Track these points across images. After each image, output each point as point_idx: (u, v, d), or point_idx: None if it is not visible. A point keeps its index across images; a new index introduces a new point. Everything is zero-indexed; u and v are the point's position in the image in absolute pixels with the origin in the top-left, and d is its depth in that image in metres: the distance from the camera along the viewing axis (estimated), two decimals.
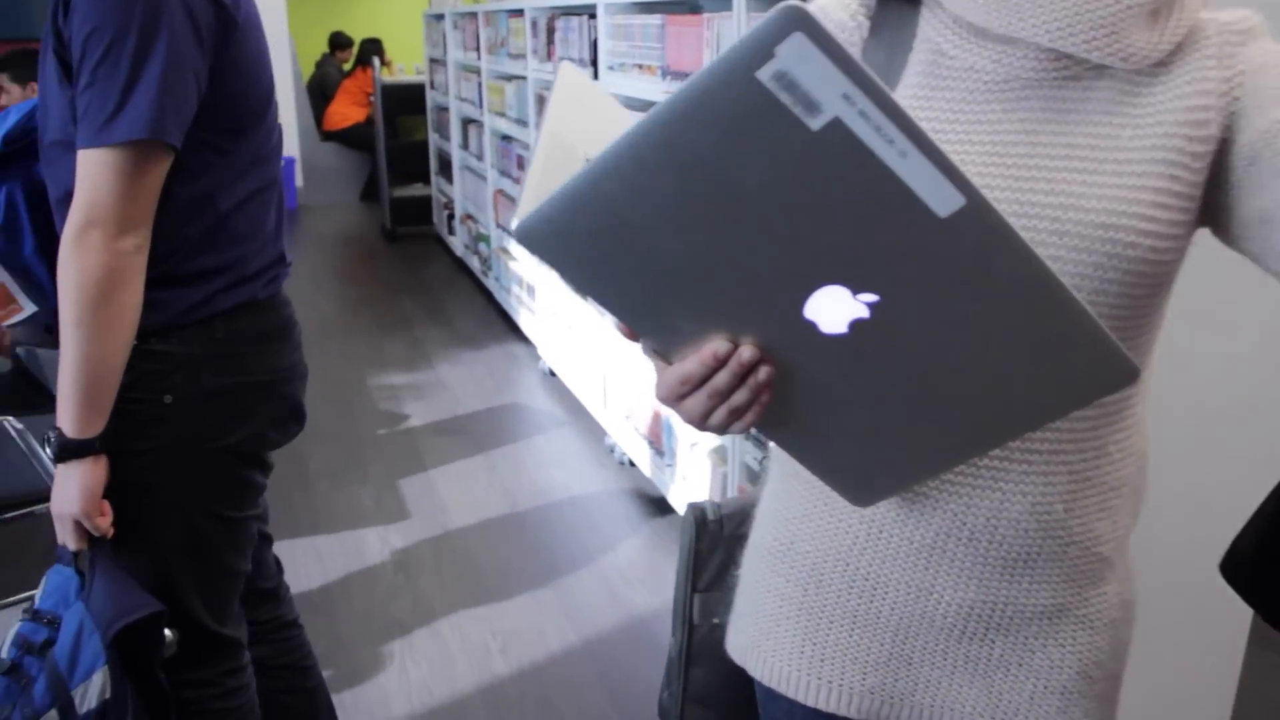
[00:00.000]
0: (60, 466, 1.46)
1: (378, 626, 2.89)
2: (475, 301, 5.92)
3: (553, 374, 4.64)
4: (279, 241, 1.66)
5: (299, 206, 8.91)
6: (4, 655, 1.55)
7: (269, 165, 1.61)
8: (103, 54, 1.35)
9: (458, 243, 6.69)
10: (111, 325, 1.40)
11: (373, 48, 9.12)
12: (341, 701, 2.58)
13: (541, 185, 0.77)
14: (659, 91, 3.12)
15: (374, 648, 2.80)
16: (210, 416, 1.56)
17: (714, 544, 1.25)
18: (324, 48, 9.85)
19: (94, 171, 1.36)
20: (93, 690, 1.49)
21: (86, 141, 1.36)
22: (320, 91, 9.41)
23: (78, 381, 1.41)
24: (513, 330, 5.31)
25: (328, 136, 9.16)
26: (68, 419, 1.43)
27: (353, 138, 9.08)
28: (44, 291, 1.69)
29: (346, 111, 9.09)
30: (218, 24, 1.43)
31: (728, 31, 2.70)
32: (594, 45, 3.69)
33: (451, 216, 6.81)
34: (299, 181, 8.94)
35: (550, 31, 4.22)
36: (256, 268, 1.58)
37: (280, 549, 3.32)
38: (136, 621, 1.48)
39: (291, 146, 8.86)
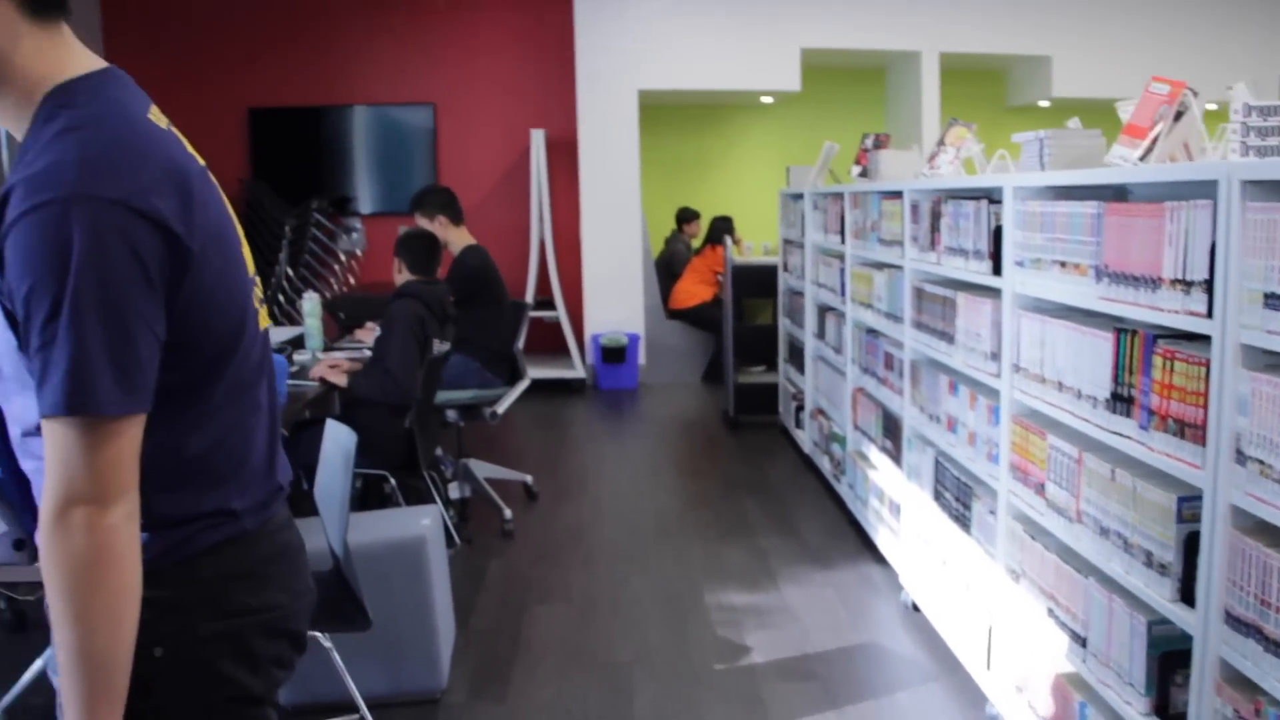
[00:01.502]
0: None
1: None
2: (824, 508, 5.34)
3: (916, 609, 3.96)
4: (272, 473, 1.52)
5: (639, 385, 8.71)
6: None
7: (251, 391, 1.47)
8: (45, 317, 1.19)
9: (805, 438, 6.17)
10: (113, 610, 1.23)
11: (724, 226, 8.95)
12: None
13: None
14: (1092, 297, 2.50)
15: None
16: (208, 666, 1.40)
17: None
18: (674, 224, 9.81)
19: (61, 444, 1.21)
20: None
21: (43, 410, 1.22)
22: (667, 268, 9.33)
23: (85, 681, 1.22)
24: (868, 547, 4.67)
25: (673, 315, 9.00)
26: None
27: (698, 317, 8.87)
28: (15, 509, 1.58)
29: (694, 290, 8.93)
30: (170, 257, 1.27)
31: (1202, 225, 2.08)
32: (995, 235, 3.13)
33: (800, 409, 6.31)
34: (641, 359, 8.77)
35: (935, 217, 3.70)
36: (241, 507, 1.44)
37: None
38: None
39: (637, 324, 8.74)
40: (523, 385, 5.45)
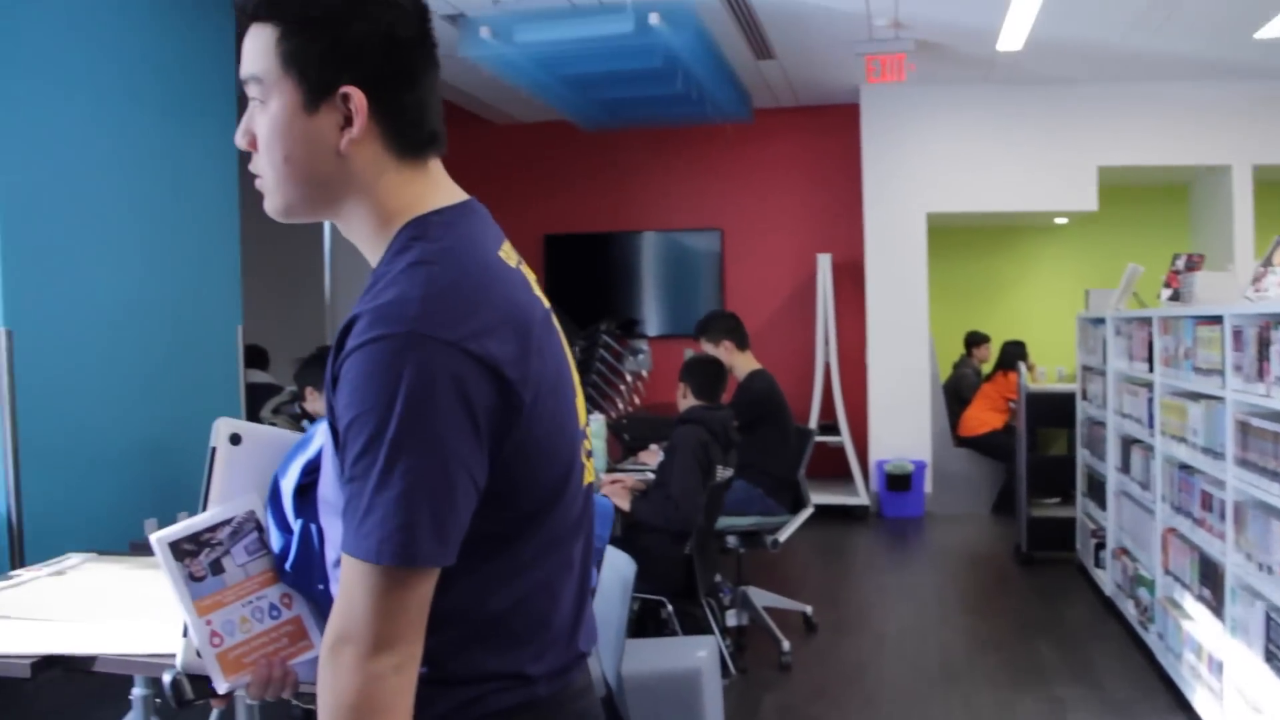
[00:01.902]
0: None
1: None
2: (1129, 658, 4.90)
3: None
4: (574, 639, 1.38)
5: (925, 514, 8.39)
6: None
7: (567, 546, 1.35)
8: (361, 449, 1.16)
9: (1106, 579, 5.72)
10: None
11: (1016, 351, 8.59)
12: None
13: None
14: None
15: None
16: None
17: None
18: (962, 349, 9.51)
19: (351, 580, 1.17)
20: None
21: (347, 547, 1.18)
22: (956, 394, 9.02)
23: None
24: (1181, 706, 4.23)
25: (961, 442, 8.67)
26: None
27: (988, 445, 8.50)
28: None
29: (984, 417, 8.58)
30: (500, 405, 1.21)
31: None
32: None
33: (1100, 547, 5.88)
34: (927, 488, 8.46)
35: (1263, 344, 3.39)
36: (537, 672, 1.32)
37: None
38: None
39: (923, 450, 8.47)
40: (805, 513, 5.33)
